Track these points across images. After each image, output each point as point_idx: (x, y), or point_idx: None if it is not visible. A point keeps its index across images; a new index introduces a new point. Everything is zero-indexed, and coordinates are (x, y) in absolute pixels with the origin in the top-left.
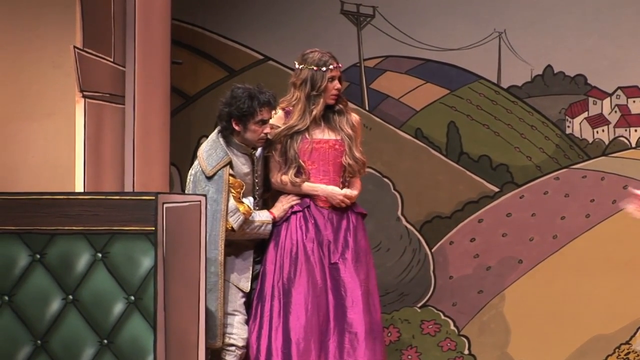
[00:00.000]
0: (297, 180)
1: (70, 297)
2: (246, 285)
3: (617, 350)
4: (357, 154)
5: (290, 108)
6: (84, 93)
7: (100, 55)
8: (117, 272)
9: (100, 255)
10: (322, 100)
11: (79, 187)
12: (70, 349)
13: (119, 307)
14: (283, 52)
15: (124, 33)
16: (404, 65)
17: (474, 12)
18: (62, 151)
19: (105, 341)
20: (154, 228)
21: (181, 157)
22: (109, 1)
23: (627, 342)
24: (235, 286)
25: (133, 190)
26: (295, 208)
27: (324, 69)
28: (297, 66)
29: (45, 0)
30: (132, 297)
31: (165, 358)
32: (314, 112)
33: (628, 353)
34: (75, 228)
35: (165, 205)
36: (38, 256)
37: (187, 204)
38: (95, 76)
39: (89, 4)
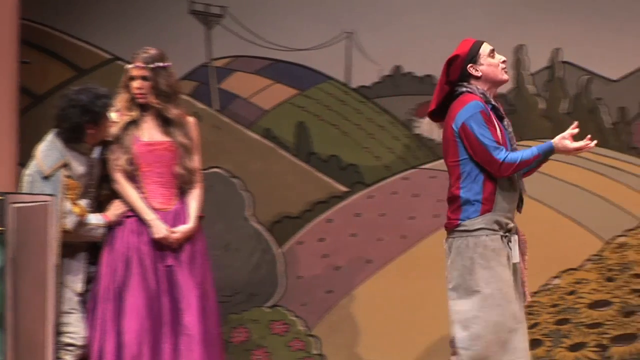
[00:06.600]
0: (131, 184)
1: None
2: (79, 286)
3: None
4: (189, 163)
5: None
6: None
7: None
8: None
9: None
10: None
11: None
12: None
13: None
14: (131, 52)
15: None
16: (254, 65)
17: (323, 13)
18: None
19: None
20: (3, 228)
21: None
22: None
23: None
24: (69, 287)
25: None
26: (130, 212)
27: (129, 66)
28: None
29: None
30: None
31: (15, 358)
32: (132, 109)
33: None
34: None
35: (13, 206)
36: None
37: (35, 204)
38: None
39: None
